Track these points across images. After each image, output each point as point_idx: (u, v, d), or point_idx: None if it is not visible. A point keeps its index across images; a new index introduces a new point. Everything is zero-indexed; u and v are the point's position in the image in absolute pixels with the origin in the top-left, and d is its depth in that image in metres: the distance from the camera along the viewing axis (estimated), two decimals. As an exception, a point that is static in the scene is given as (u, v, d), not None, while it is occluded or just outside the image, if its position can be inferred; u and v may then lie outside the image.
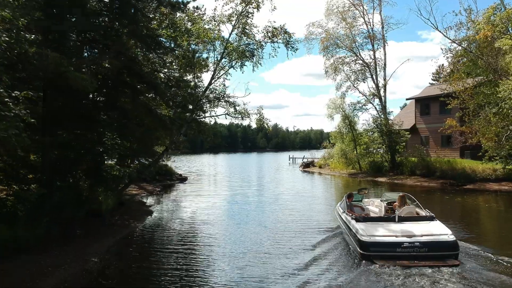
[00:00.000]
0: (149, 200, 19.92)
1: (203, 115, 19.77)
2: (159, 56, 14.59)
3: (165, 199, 21.14)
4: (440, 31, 25.19)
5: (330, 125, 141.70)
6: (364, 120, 36.04)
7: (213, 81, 19.01)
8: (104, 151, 13.55)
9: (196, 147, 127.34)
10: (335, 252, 9.87)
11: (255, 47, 18.46)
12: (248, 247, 10.62)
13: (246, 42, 18.59)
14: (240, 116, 19.47)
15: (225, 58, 18.83)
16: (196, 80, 19.11)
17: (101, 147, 13.25)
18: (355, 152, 36.25)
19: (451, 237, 8.69)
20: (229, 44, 18.58)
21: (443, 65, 65.05)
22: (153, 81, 12.98)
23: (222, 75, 19.14)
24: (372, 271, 8.03)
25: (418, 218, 9.88)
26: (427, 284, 7.31)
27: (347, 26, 33.93)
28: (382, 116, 33.36)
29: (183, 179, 31.10)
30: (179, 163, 54.17)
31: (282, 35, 18.15)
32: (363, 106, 34.94)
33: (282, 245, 10.78)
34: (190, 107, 17.82)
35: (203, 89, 19.03)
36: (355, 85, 35.08)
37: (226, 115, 19.50)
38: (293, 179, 33.98)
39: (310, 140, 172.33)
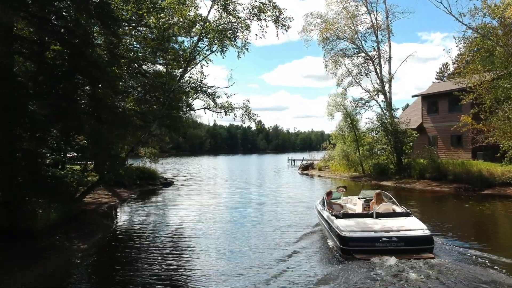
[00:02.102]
0: (116, 211, 17.03)
1: (177, 108, 16.64)
2: (115, 34, 11.68)
3: (136, 208, 18.08)
4: (454, 16, 22.23)
5: (331, 126, 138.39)
6: (368, 118, 33.08)
7: (188, 68, 15.97)
8: (40, 152, 10.67)
9: (195, 149, 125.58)
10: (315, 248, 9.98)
11: (238, 26, 15.39)
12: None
13: (228, 21, 15.48)
14: (223, 111, 16.43)
15: (203, 41, 15.78)
16: (168, 67, 15.98)
17: (34, 146, 10.37)
18: (358, 153, 33.41)
19: (426, 232, 9.08)
20: (207, 24, 15.49)
21: (447, 63, 62.63)
22: (94, 59, 10.06)
23: (200, 61, 16.11)
24: (352, 265, 8.17)
25: (395, 214, 10.22)
26: (404, 276, 7.42)
27: (348, 16, 31.06)
28: (387, 113, 30.42)
29: (168, 184, 28.22)
30: (173, 166, 51.42)
31: (271, 10, 15.08)
32: (366, 103, 32.03)
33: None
34: (161, 99, 14.66)
35: (177, 78, 15.89)
36: (357, 80, 32.12)
37: (206, 109, 16.48)
38: (290, 183, 30.88)
39: (310, 142, 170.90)
